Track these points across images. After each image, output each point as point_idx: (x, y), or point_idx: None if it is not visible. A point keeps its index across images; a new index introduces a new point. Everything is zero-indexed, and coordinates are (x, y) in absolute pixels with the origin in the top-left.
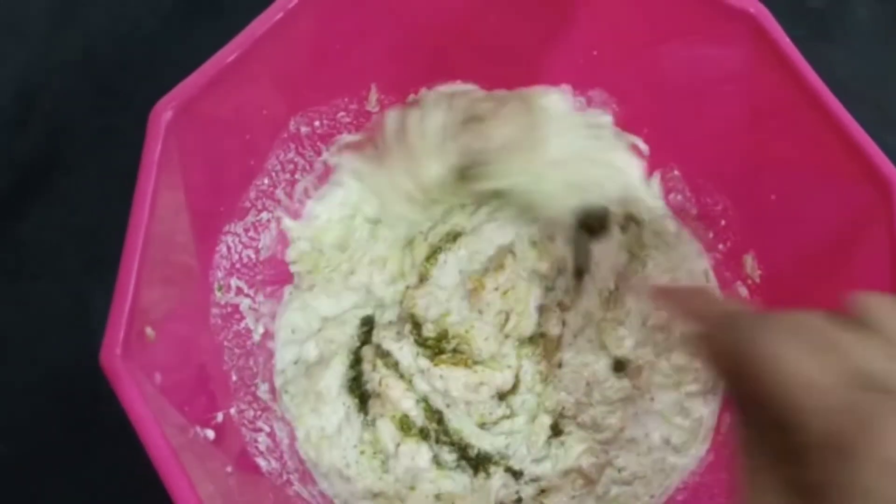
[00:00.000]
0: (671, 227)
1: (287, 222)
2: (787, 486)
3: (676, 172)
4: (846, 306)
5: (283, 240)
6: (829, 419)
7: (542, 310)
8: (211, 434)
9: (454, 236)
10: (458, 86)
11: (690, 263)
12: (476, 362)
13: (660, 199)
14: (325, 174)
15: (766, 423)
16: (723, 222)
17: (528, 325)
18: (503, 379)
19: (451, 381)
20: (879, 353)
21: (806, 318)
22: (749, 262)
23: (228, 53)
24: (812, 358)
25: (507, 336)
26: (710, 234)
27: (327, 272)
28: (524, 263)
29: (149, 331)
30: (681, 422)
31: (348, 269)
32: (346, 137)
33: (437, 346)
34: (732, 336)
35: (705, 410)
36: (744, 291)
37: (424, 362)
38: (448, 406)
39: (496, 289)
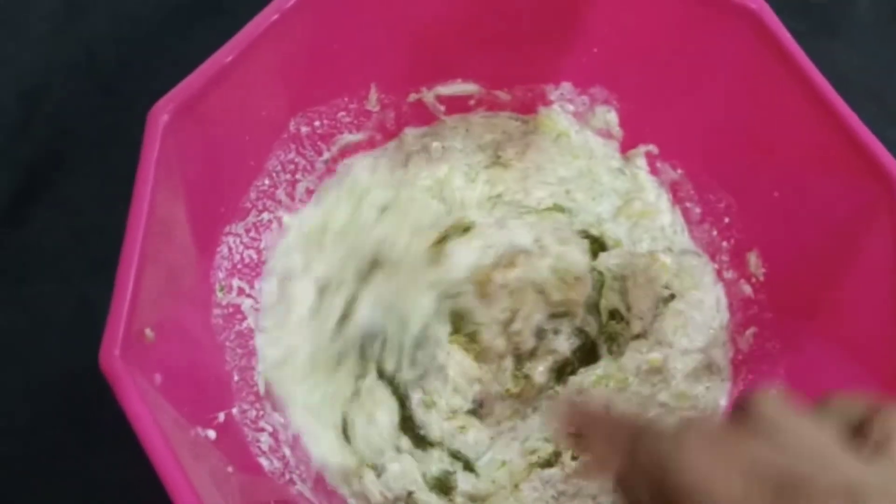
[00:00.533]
0: (694, 260)
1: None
2: None
3: (679, 171)
4: (737, 406)
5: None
6: None
7: (539, 334)
8: (212, 434)
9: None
10: (459, 85)
11: (702, 293)
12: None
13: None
14: (326, 174)
15: None
16: (726, 220)
17: (528, 339)
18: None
19: (452, 361)
20: (770, 454)
21: (708, 424)
22: (753, 259)
23: (226, 54)
24: (721, 472)
25: (511, 338)
26: (714, 232)
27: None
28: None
29: (148, 332)
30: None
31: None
32: (347, 137)
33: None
34: (642, 452)
35: None
36: (748, 289)
37: None
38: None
39: (504, 286)
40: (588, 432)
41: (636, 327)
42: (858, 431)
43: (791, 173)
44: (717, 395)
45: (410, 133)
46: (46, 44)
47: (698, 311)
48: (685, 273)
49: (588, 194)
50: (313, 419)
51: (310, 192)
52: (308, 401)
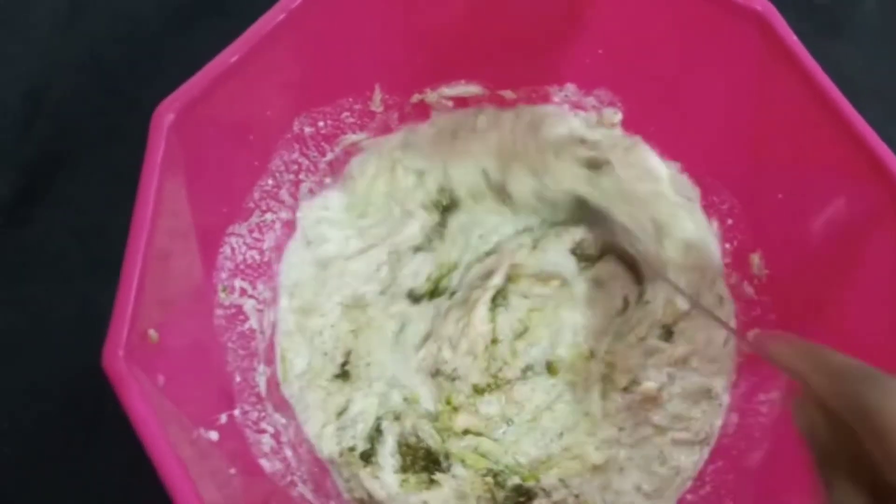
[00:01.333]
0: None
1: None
2: None
3: (683, 169)
4: None
5: (287, 240)
6: None
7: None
8: (214, 436)
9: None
10: (462, 86)
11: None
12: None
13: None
14: (329, 175)
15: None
16: (730, 221)
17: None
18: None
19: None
20: None
21: None
22: (756, 260)
23: (231, 55)
24: None
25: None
26: (716, 225)
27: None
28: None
29: (152, 333)
30: (657, 468)
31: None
32: (351, 137)
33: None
34: (855, 394)
35: (686, 460)
36: (750, 291)
37: None
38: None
39: (525, 297)
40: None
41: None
42: None
43: (795, 175)
44: (713, 419)
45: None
46: (50, 43)
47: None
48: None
49: None
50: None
51: (312, 193)
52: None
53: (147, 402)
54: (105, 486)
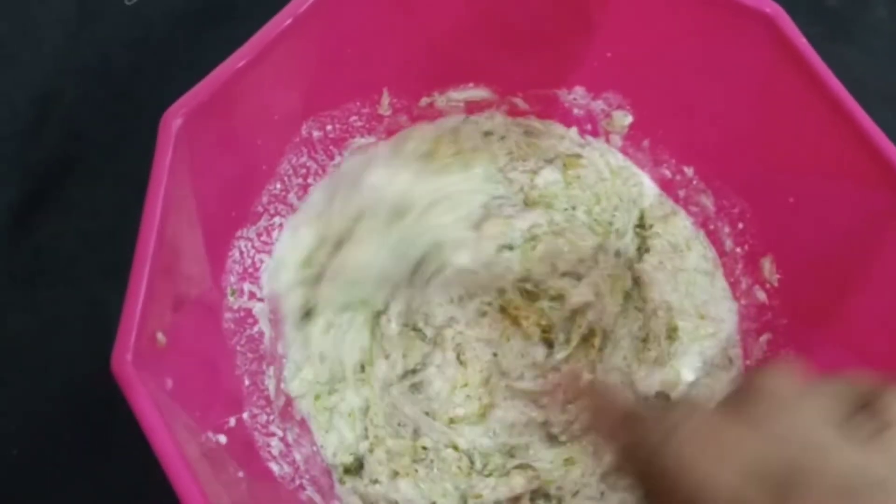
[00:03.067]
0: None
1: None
2: None
3: (692, 174)
4: (743, 383)
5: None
6: None
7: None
8: (223, 439)
9: None
10: (471, 89)
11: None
12: None
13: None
14: None
15: None
16: (740, 225)
17: None
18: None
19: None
20: (765, 446)
21: (704, 414)
22: (767, 265)
23: (239, 58)
24: (719, 460)
25: None
26: (727, 230)
27: None
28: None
29: (160, 336)
30: None
31: None
32: (359, 141)
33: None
34: (640, 439)
35: None
36: (762, 296)
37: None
38: None
39: None
40: (587, 406)
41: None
42: (860, 411)
43: (806, 179)
44: None
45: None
46: (59, 49)
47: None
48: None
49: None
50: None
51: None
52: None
53: (155, 405)
54: (114, 490)
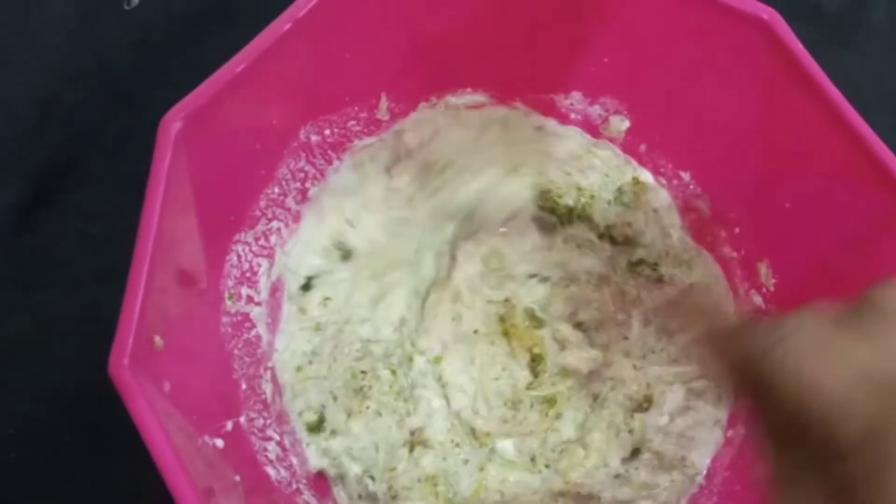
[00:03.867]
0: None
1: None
2: (820, 490)
3: (689, 179)
4: (861, 297)
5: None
6: (855, 427)
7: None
8: (220, 443)
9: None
10: (468, 94)
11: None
12: None
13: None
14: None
15: (791, 431)
16: (737, 230)
17: None
18: None
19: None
20: (881, 358)
21: (816, 324)
22: (763, 270)
23: (237, 64)
24: (829, 368)
25: None
26: (724, 234)
27: None
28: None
29: (157, 340)
30: None
31: None
32: (357, 144)
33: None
34: (748, 349)
35: None
36: (758, 300)
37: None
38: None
39: None
40: (693, 321)
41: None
42: None
43: (803, 184)
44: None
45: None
46: (59, 52)
47: None
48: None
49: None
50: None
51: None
52: None
53: (153, 409)
54: (110, 492)
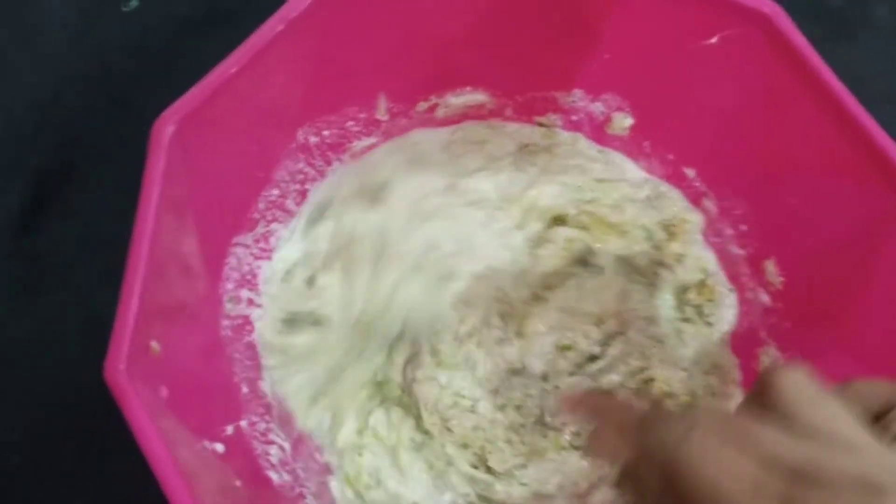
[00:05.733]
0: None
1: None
2: None
3: (694, 176)
4: (758, 384)
5: None
6: None
7: None
8: (220, 448)
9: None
10: (468, 93)
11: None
12: None
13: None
14: None
15: None
16: (743, 227)
17: None
18: None
19: None
20: (787, 440)
21: (720, 414)
22: (770, 267)
23: (230, 65)
24: (737, 456)
25: None
26: (730, 232)
27: None
28: None
29: (154, 345)
30: None
31: None
32: (356, 145)
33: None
34: (654, 442)
35: None
36: (765, 298)
37: None
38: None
39: None
40: (598, 416)
41: None
42: (879, 419)
43: (807, 180)
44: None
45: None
46: (59, 55)
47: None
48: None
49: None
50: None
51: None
52: None
53: (149, 414)
54: (109, 499)
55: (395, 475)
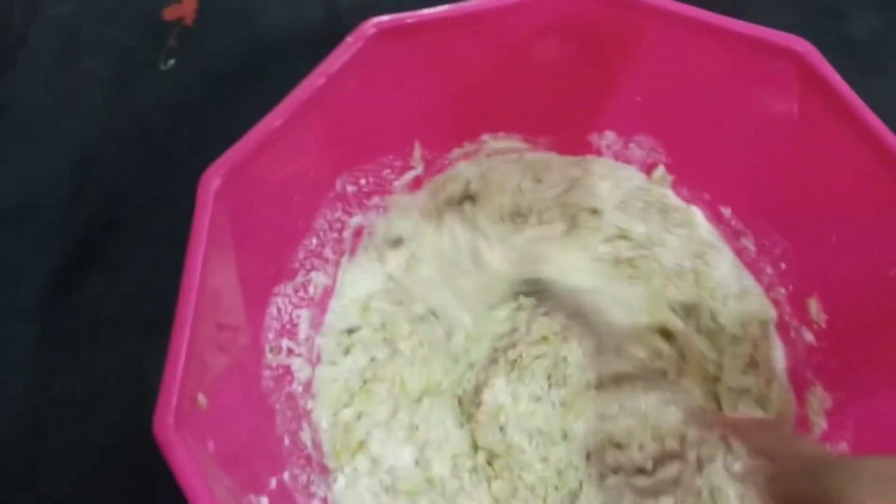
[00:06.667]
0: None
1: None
2: None
3: (730, 215)
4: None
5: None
6: None
7: None
8: (265, 502)
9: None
10: (502, 139)
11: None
12: None
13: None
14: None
15: None
16: (783, 265)
17: None
18: None
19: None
20: None
21: (887, 465)
22: (813, 306)
23: (273, 119)
24: None
25: None
26: (769, 270)
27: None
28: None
29: (201, 398)
30: None
31: None
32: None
33: None
34: (815, 485)
35: None
36: (809, 337)
37: None
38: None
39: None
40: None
41: None
42: None
43: (847, 215)
44: None
45: None
46: (98, 114)
47: None
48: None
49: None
50: None
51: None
52: None
53: (197, 469)
54: None
55: None
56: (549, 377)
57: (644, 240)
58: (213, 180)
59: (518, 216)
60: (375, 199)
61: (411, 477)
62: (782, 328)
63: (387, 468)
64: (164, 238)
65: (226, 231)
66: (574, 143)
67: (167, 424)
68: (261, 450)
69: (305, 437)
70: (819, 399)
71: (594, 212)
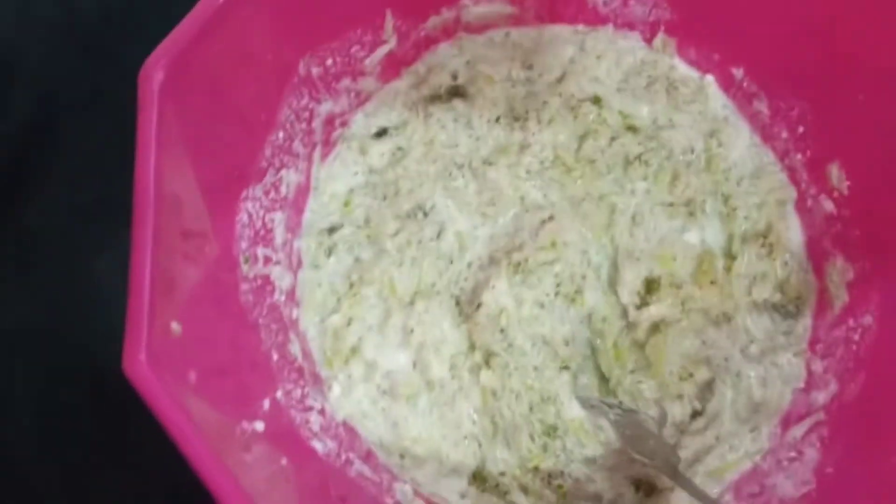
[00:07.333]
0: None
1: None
2: None
3: (742, 76)
4: None
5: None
6: None
7: None
8: (260, 426)
9: None
10: (484, 4)
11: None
12: None
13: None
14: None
15: None
16: (801, 129)
17: None
18: None
19: None
20: None
21: None
22: (834, 172)
23: None
24: None
25: None
26: (785, 135)
27: None
28: None
29: (174, 325)
30: None
31: None
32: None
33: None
34: None
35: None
36: (829, 206)
37: None
38: None
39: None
40: None
41: None
42: None
43: (879, 71)
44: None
45: None
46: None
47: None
48: None
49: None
50: None
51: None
52: None
53: (180, 407)
54: (134, 484)
55: None
56: (558, 285)
57: (651, 125)
58: (154, 73)
59: (515, 120)
60: (346, 82)
61: (410, 381)
62: (799, 198)
63: (384, 372)
64: (106, 141)
65: (176, 131)
66: (566, 1)
67: (139, 362)
68: (248, 371)
69: (294, 348)
70: (839, 271)
71: (596, 101)
